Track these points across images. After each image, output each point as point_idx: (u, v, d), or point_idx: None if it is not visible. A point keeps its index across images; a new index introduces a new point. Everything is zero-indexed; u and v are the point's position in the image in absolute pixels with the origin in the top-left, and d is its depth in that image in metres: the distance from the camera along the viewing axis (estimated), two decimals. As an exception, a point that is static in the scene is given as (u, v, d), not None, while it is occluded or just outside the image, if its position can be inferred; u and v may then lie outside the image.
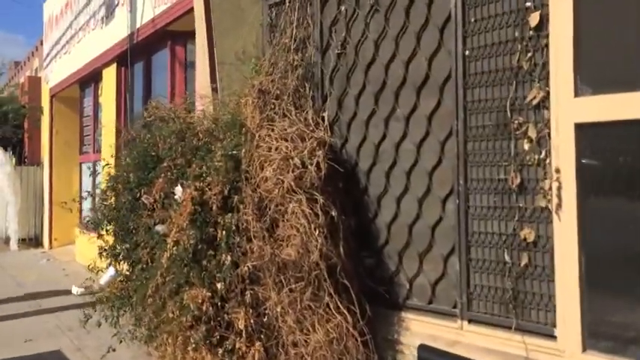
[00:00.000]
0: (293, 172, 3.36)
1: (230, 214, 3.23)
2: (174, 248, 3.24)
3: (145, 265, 3.65)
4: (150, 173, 3.87)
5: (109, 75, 8.83)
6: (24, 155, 16.66)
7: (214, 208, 3.27)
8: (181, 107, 4.26)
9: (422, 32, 3.38)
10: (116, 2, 8.36)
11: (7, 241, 13.20)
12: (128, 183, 4.08)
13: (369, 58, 3.75)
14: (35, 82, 38.83)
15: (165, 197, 3.62)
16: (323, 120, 3.88)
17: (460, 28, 3.11)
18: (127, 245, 4.05)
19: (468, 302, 3.06)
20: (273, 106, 3.86)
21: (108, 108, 8.86)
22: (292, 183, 3.30)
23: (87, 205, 10.85)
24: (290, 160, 3.40)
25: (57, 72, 11.89)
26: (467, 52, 3.08)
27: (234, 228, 3.17)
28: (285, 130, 3.64)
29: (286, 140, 3.55)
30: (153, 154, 3.91)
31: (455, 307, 3.15)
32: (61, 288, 8.31)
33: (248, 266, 3.09)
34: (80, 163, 10.91)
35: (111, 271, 4.44)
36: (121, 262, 4.34)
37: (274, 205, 3.30)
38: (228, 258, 3.08)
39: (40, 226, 13.51)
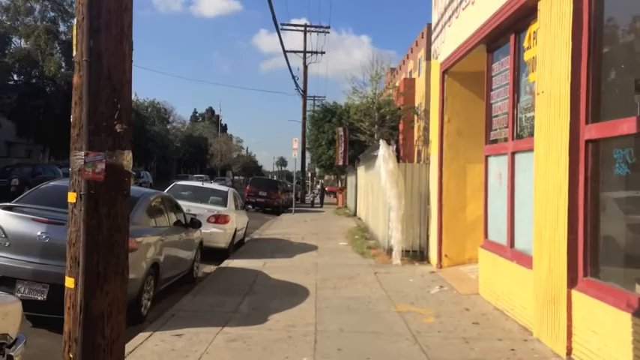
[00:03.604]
0: None
1: None
2: None
3: None
4: None
5: (556, 4, 5.21)
6: (399, 156, 14.91)
7: None
8: None
9: None
10: None
11: (389, 251, 11.13)
12: None
13: None
14: (409, 84, 39.25)
15: None
16: None
17: None
18: None
19: None
20: None
21: (553, 61, 5.26)
22: None
23: (497, 216, 7.58)
24: None
25: (451, 37, 9.03)
26: None
27: None
28: None
29: None
30: None
31: None
32: None
33: None
34: (486, 157, 7.70)
35: None
36: None
37: None
38: None
39: (425, 237, 11.02)
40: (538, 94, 5.51)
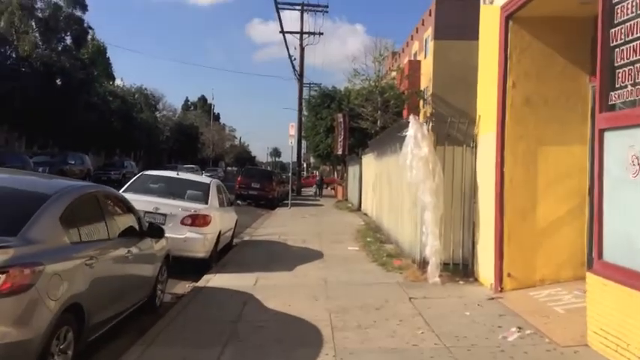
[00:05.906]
0: None
1: None
2: None
3: None
4: None
5: None
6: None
7: None
8: None
9: None
10: None
11: (422, 265, 8.38)
12: None
13: None
14: (415, 66, 36.31)
15: None
16: None
17: None
18: None
19: None
20: None
21: None
22: None
23: (629, 226, 4.84)
24: None
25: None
26: None
27: None
28: None
29: None
30: None
31: None
32: None
33: None
34: (600, 132, 4.93)
35: None
36: None
37: None
38: None
39: (470, 246, 8.26)
40: None
